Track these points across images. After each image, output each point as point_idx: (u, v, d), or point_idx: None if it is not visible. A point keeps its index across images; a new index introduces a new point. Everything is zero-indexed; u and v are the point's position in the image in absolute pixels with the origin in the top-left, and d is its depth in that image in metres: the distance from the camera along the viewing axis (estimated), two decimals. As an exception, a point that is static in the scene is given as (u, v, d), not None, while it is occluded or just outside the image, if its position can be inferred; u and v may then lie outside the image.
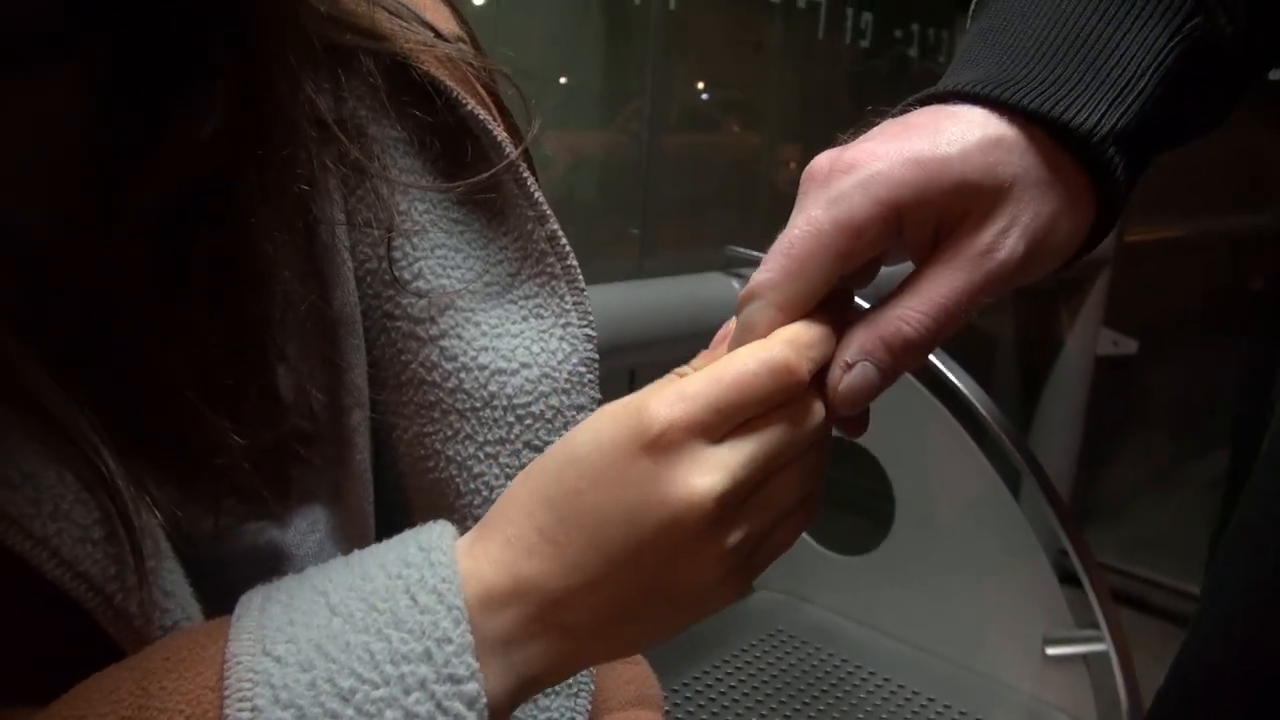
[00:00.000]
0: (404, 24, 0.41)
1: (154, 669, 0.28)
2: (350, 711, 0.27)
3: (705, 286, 1.19)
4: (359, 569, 0.30)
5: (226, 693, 0.27)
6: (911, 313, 0.32)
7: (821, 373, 0.32)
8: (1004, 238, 0.32)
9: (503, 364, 0.41)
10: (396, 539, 0.32)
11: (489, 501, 0.41)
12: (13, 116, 0.32)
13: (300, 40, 0.36)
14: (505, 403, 0.41)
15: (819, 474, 0.33)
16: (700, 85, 1.71)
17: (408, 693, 0.27)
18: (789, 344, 0.31)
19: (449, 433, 0.40)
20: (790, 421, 0.31)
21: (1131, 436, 2.58)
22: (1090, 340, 2.27)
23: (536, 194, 0.42)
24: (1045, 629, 1.04)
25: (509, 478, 0.41)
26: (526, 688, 0.30)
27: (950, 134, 0.32)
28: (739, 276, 1.19)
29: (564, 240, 0.42)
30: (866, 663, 1.10)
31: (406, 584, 0.29)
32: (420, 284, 0.40)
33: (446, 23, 0.44)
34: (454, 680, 0.28)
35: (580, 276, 0.43)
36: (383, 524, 0.42)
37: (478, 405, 0.40)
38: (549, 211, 0.42)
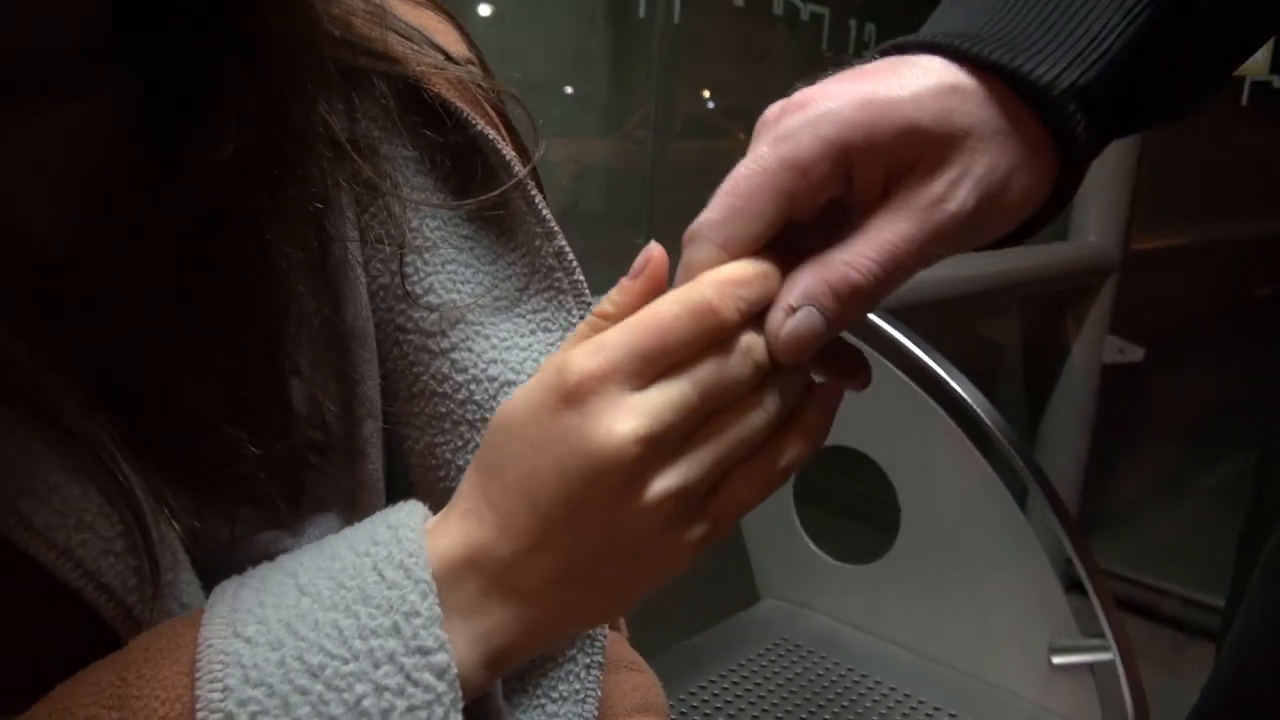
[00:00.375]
0: (415, 47, 0.42)
1: (133, 660, 0.29)
2: (320, 687, 0.27)
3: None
4: (329, 550, 0.31)
5: (199, 675, 0.27)
6: (860, 259, 0.31)
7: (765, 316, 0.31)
8: (955, 188, 0.31)
9: (511, 376, 0.41)
10: (367, 520, 0.32)
11: None
12: (42, 132, 0.33)
13: (315, 65, 0.37)
14: None
15: (773, 420, 0.31)
16: (705, 95, 1.72)
17: (377, 666, 0.28)
18: (712, 284, 0.30)
19: (459, 443, 0.41)
20: (720, 362, 0.30)
21: (1139, 445, 2.58)
22: (1097, 348, 2.27)
23: (544, 211, 0.42)
24: (1050, 638, 1.05)
25: None
26: (498, 658, 0.30)
27: (905, 78, 0.31)
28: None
29: (571, 256, 0.43)
30: (872, 671, 1.11)
31: (374, 560, 0.29)
32: (431, 298, 0.41)
33: (456, 45, 0.45)
34: (423, 652, 0.28)
35: (586, 290, 0.43)
36: None
37: (487, 416, 0.41)
38: (556, 228, 0.43)
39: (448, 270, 0.42)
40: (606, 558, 0.30)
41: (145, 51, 0.34)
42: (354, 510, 0.41)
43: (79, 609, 0.30)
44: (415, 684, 0.28)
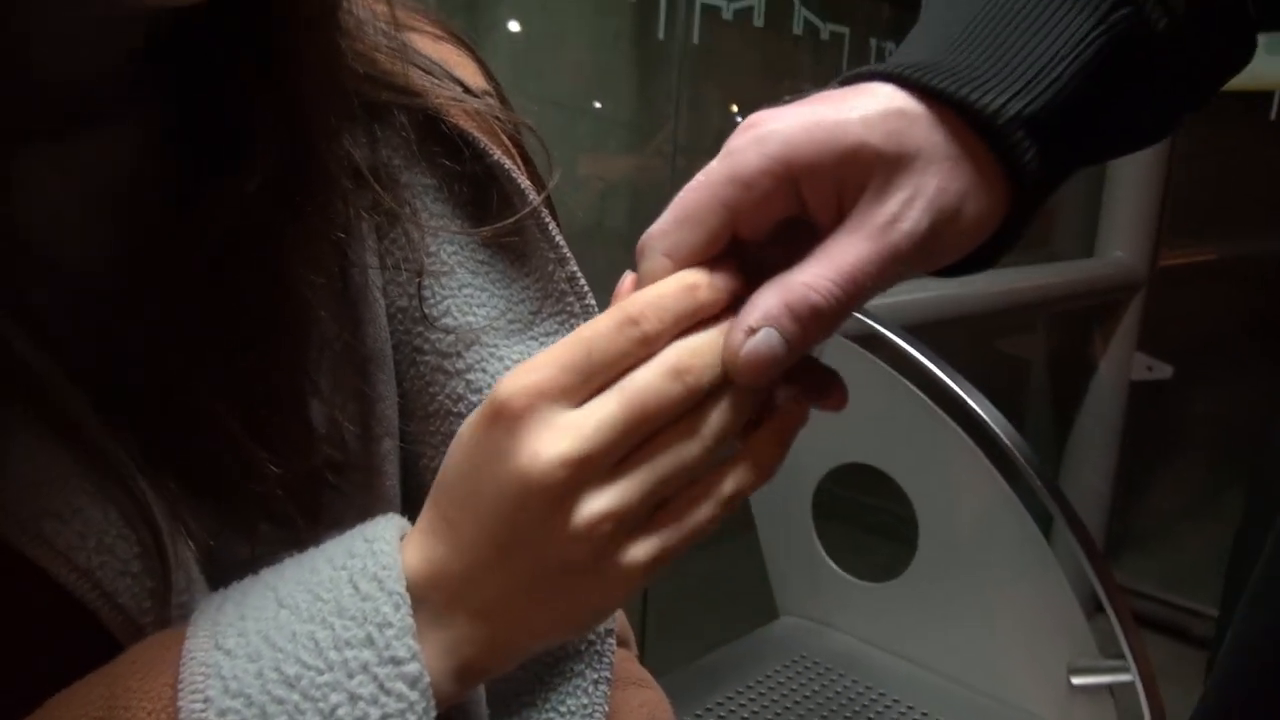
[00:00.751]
0: (435, 80, 0.44)
1: (122, 673, 0.30)
2: (296, 697, 0.28)
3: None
4: (308, 564, 0.32)
5: (181, 686, 0.28)
6: (818, 279, 0.30)
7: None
8: (907, 209, 0.31)
9: None
10: (345, 535, 0.33)
11: None
12: (78, 159, 0.35)
13: (340, 100, 0.39)
14: None
15: (712, 447, 0.31)
16: (726, 113, 1.73)
17: (351, 676, 0.28)
18: (636, 297, 0.31)
19: None
20: (647, 378, 0.30)
21: (1168, 463, 2.54)
22: (1124, 365, 2.25)
23: (557, 237, 0.44)
24: (1070, 658, 1.04)
25: None
26: (467, 670, 0.31)
27: (854, 102, 0.32)
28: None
29: (582, 280, 0.44)
30: (890, 690, 1.10)
31: (350, 574, 0.30)
32: (448, 321, 0.42)
33: (474, 77, 0.47)
34: (395, 662, 0.29)
35: (597, 313, 0.45)
36: None
37: None
38: (568, 254, 0.44)
39: (464, 294, 0.43)
40: (544, 578, 0.30)
41: (177, 85, 0.36)
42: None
43: (93, 624, 0.32)
44: (388, 693, 0.29)
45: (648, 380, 0.30)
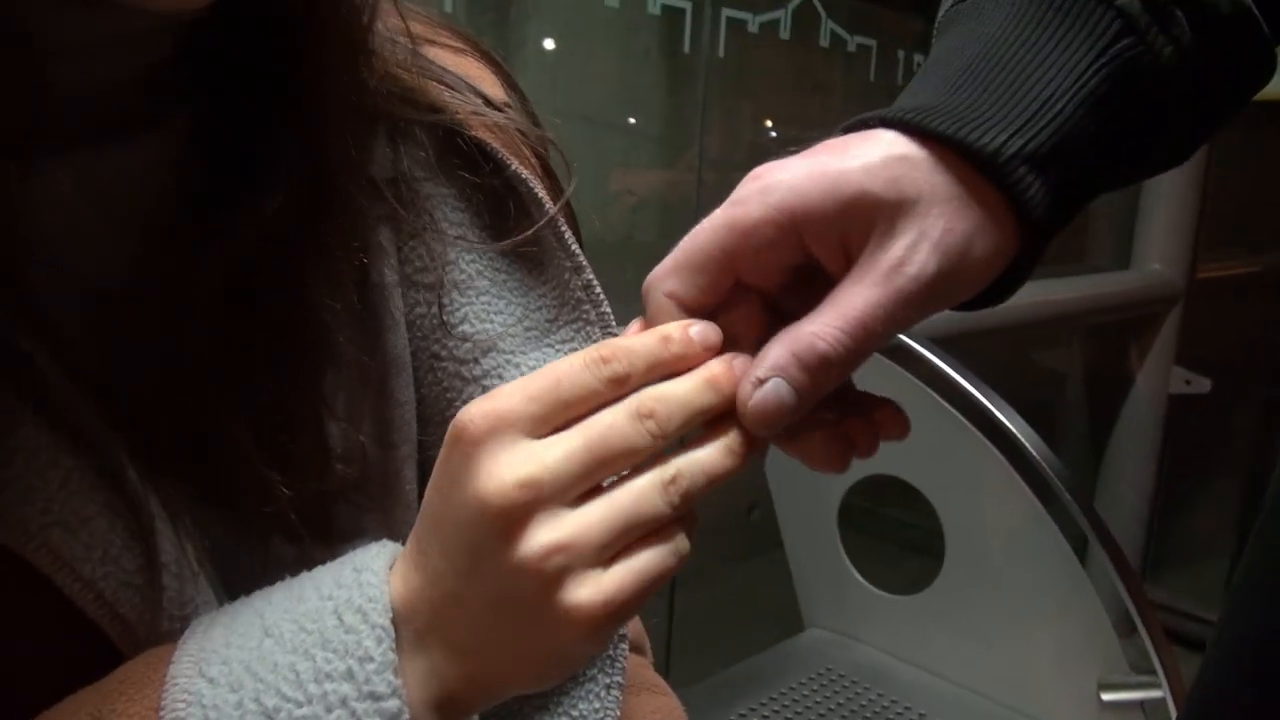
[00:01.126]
0: (456, 94, 0.44)
1: (110, 691, 0.30)
2: None
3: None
4: (296, 590, 0.32)
5: (163, 714, 0.29)
6: (826, 328, 0.31)
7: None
8: (913, 252, 0.31)
9: None
10: (337, 561, 0.33)
11: None
12: (104, 170, 0.36)
13: (363, 118, 0.39)
14: None
15: (676, 503, 0.30)
16: (753, 126, 1.74)
17: (329, 710, 0.28)
18: (613, 340, 0.31)
19: None
20: (612, 419, 0.30)
21: (1206, 477, 2.49)
22: (1162, 379, 2.21)
23: (574, 246, 0.44)
24: (1100, 673, 1.02)
25: None
26: (451, 704, 0.31)
27: (854, 150, 0.32)
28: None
29: (598, 288, 0.45)
30: (916, 703, 1.09)
31: (335, 605, 0.30)
32: (466, 328, 0.43)
33: (495, 89, 0.48)
34: (374, 697, 0.29)
35: (613, 321, 0.45)
36: None
37: None
38: (585, 262, 0.45)
39: (481, 302, 0.44)
40: (499, 612, 0.30)
41: (200, 101, 0.37)
42: (390, 533, 0.43)
43: (97, 634, 0.32)
44: None
45: (614, 419, 0.30)
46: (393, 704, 0.29)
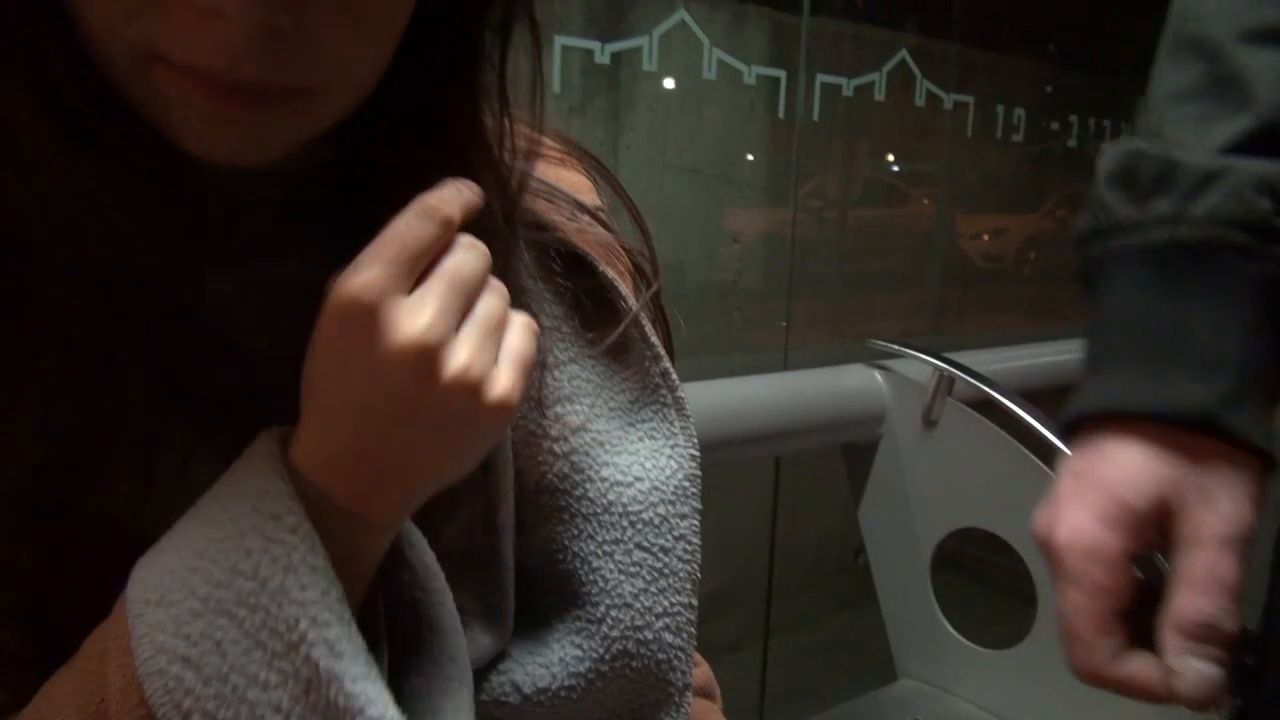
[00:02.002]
0: (555, 207, 0.51)
1: (92, 651, 0.36)
2: (205, 563, 0.34)
3: (847, 378, 1.25)
4: (205, 509, 0.37)
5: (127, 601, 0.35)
6: (1190, 601, 0.39)
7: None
8: (1210, 517, 0.39)
9: (620, 477, 0.49)
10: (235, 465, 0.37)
11: (605, 591, 0.49)
12: (260, 287, 0.42)
13: (490, 241, 0.45)
14: (621, 509, 0.49)
15: (509, 300, 0.38)
16: (845, 183, 1.78)
17: (242, 535, 0.34)
18: (431, 192, 0.37)
19: (574, 532, 0.49)
20: (455, 256, 0.36)
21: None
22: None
23: (653, 339, 0.51)
24: (1197, 737, 1.00)
25: (623, 572, 0.49)
26: (367, 531, 0.37)
27: (1113, 475, 0.41)
28: (880, 368, 1.24)
29: (674, 375, 0.51)
30: (1008, 759, 1.09)
31: (239, 483, 0.36)
32: (559, 408, 0.49)
33: (589, 194, 0.55)
34: (275, 517, 0.34)
35: (687, 405, 0.51)
36: (520, 602, 0.51)
37: (599, 510, 0.49)
38: (662, 352, 0.51)
39: (573, 385, 0.50)
40: (430, 432, 0.36)
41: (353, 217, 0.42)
42: (489, 582, 0.49)
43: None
44: (271, 540, 0.34)
45: (455, 255, 0.37)
46: (290, 520, 0.34)
